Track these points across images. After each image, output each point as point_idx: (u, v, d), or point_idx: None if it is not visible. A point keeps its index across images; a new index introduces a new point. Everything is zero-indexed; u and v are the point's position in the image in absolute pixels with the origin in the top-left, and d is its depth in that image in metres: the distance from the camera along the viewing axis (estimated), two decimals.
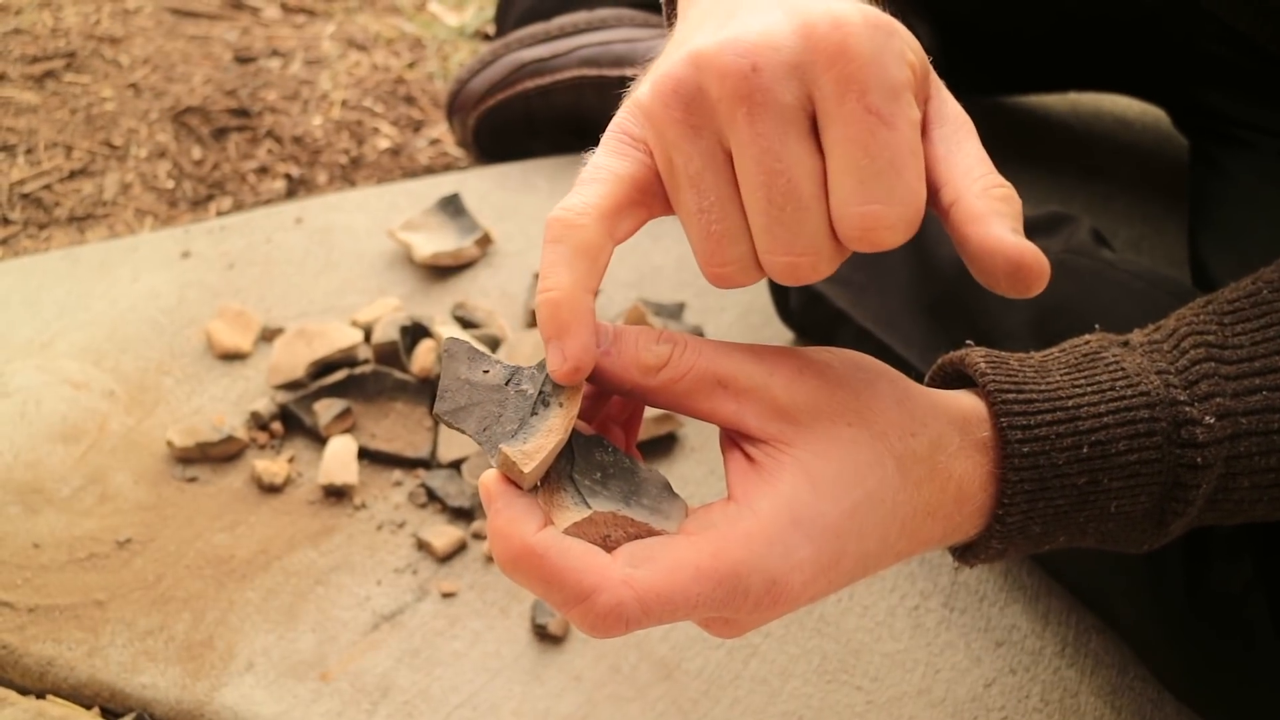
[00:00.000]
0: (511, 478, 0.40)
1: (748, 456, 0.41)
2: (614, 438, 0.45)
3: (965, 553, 0.47)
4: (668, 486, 0.42)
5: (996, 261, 0.37)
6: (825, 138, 0.36)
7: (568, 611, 0.38)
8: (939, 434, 0.43)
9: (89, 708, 0.67)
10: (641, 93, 0.40)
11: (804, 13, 0.36)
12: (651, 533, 0.40)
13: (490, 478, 0.40)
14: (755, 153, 0.36)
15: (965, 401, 0.45)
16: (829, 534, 0.40)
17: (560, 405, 0.40)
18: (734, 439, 0.42)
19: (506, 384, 0.41)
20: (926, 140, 0.39)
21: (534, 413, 0.40)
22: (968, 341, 0.49)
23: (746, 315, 0.90)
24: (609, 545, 0.39)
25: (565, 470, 0.40)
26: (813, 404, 0.40)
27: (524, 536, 0.38)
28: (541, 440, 0.39)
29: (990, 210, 0.37)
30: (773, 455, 0.40)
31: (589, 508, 0.39)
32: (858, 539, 0.41)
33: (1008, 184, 0.38)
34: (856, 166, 0.35)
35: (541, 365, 0.41)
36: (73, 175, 1.15)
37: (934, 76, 0.40)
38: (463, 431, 0.41)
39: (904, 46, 0.37)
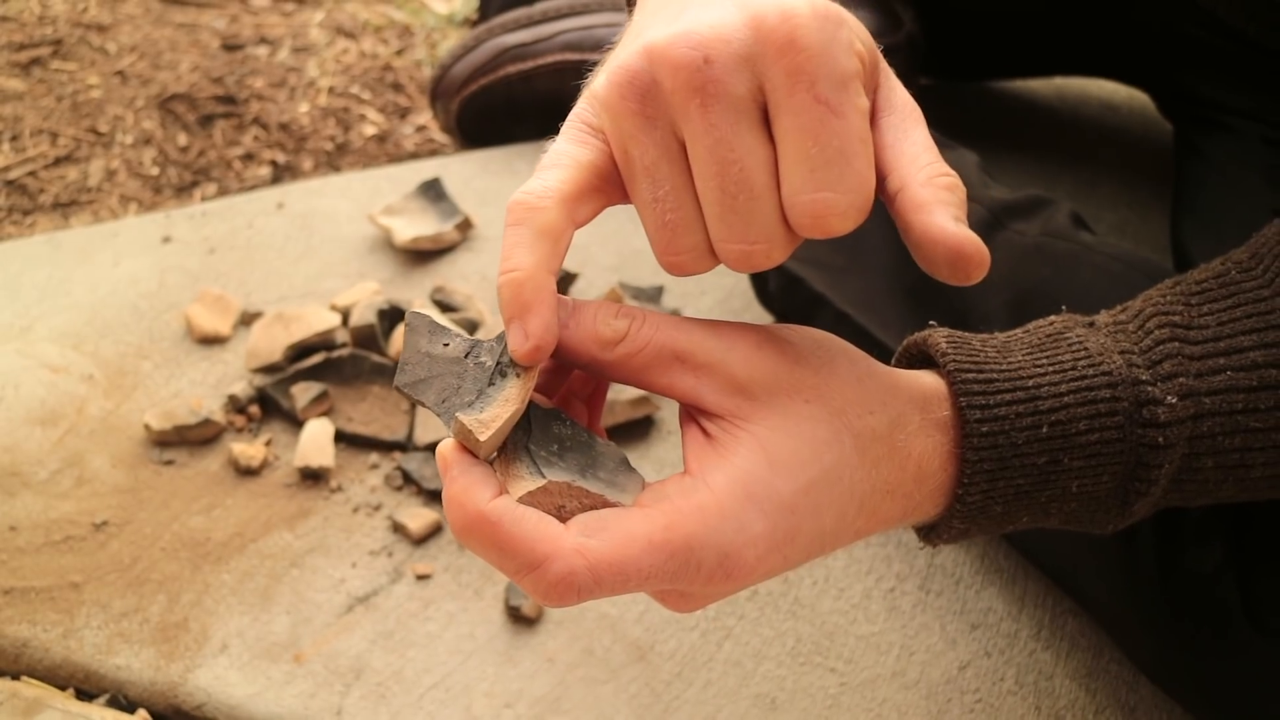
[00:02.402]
0: (468, 447, 0.40)
1: (705, 432, 0.41)
2: (576, 412, 0.45)
3: (929, 533, 0.47)
4: (625, 461, 0.42)
5: (938, 250, 0.38)
6: (776, 127, 0.37)
7: (520, 579, 0.38)
8: (898, 412, 0.43)
9: (63, 689, 0.67)
10: (598, 84, 0.40)
11: (754, 5, 0.37)
12: (606, 504, 0.40)
13: (447, 447, 0.40)
14: (708, 143, 0.37)
15: (926, 381, 0.45)
16: (784, 510, 0.40)
17: (517, 376, 0.40)
18: (692, 414, 0.42)
19: (466, 356, 0.41)
20: (875, 128, 0.40)
21: (491, 383, 0.40)
22: (931, 322, 0.49)
23: (727, 299, 0.90)
24: (564, 516, 0.39)
25: (522, 441, 0.40)
26: (771, 380, 0.40)
27: (478, 504, 0.38)
28: (498, 410, 0.39)
29: (934, 199, 0.38)
30: (729, 430, 0.40)
31: (544, 477, 0.39)
32: (813, 515, 0.41)
33: (953, 173, 0.39)
34: (807, 155, 0.36)
35: (500, 337, 0.41)
36: (58, 162, 1.15)
37: (883, 65, 0.41)
38: (422, 404, 0.41)
39: (852, 36, 0.37)
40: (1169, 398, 0.46)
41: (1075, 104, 1.12)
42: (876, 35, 1.05)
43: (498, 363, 0.41)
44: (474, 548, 0.39)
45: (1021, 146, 1.05)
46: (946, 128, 0.88)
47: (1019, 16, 0.97)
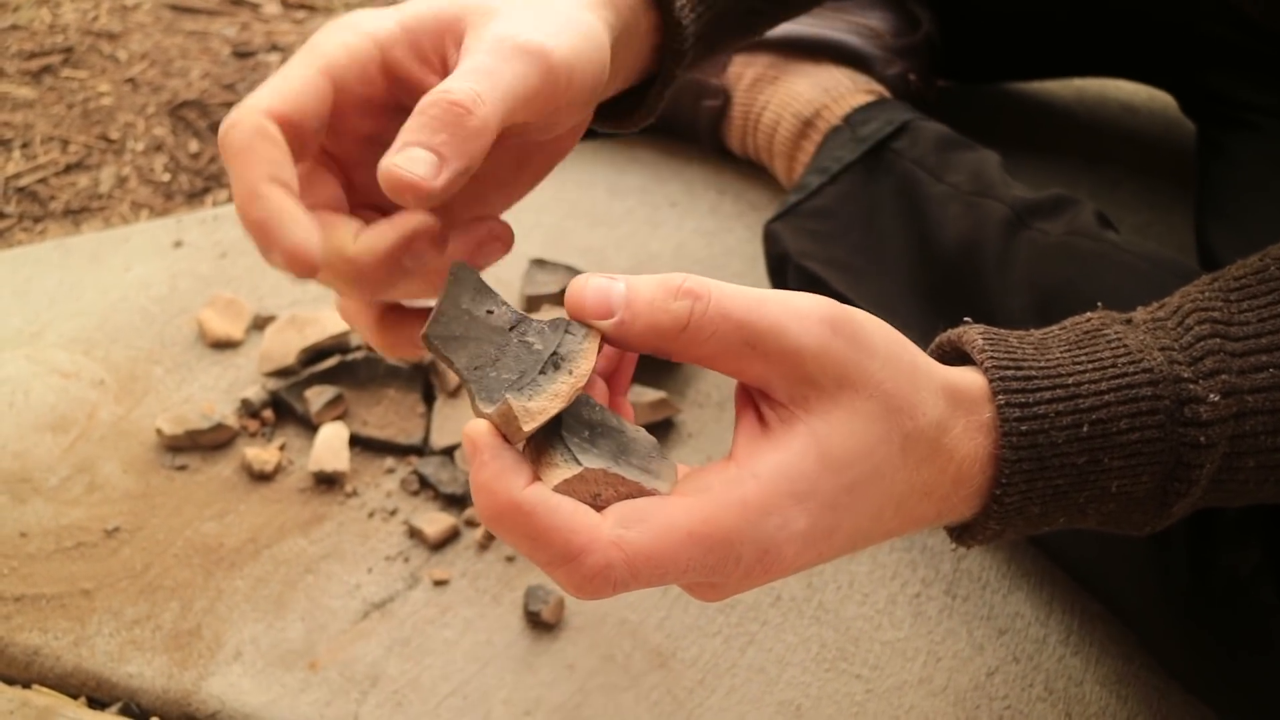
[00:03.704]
0: (504, 431, 0.38)
1: (761, 418, 0.40)
2: (595, 391, 0.44)
3: (963, 533, 0.46)
4: (657, 447, 0.40)
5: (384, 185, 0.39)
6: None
7: (553, 571, 0.37)
8: (946, 416, 0.42)
9: (75, 697, 0.66)
10: None
11: None
12: (643, 492, 0.38)
13: (478, 429, 0.38)
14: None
15: (968, 379, 0.44)
16: (826, 507, 0.39)
17: (570, 373, 0.38)
18: (753, 396, 0.40)
19: (511, 330, 0.39)
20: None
21: (542, 372, 0.38)
22: (965, 319, 0.48)
23: None
24: (598, 505, 0.38)
25: (554, 427, 0.39)
26: (840, 373, 0.39)
27: (511, 492, 0.37)
28: (546, 402, 0.38)
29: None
30: (787, 420, 0.39)
31: (580, 465, 0.37)
32: (852, 514, 0.40)
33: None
34: None
35: (555, 324, 0.39)
36: (68, 169, 1.15)
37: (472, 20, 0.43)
38: (449, 361, 0.39)
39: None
40: (1211, 395, 0.44)
41: (1094, 105, 1.11)
42: (894, 35, 1.05)
43: (553, 353, 0.39)
44: (505, 536, 0.37)
45: (1040, 148, 1.04)
46: (964, 130, 0.87)
47: (1037, 18, 0.96)
